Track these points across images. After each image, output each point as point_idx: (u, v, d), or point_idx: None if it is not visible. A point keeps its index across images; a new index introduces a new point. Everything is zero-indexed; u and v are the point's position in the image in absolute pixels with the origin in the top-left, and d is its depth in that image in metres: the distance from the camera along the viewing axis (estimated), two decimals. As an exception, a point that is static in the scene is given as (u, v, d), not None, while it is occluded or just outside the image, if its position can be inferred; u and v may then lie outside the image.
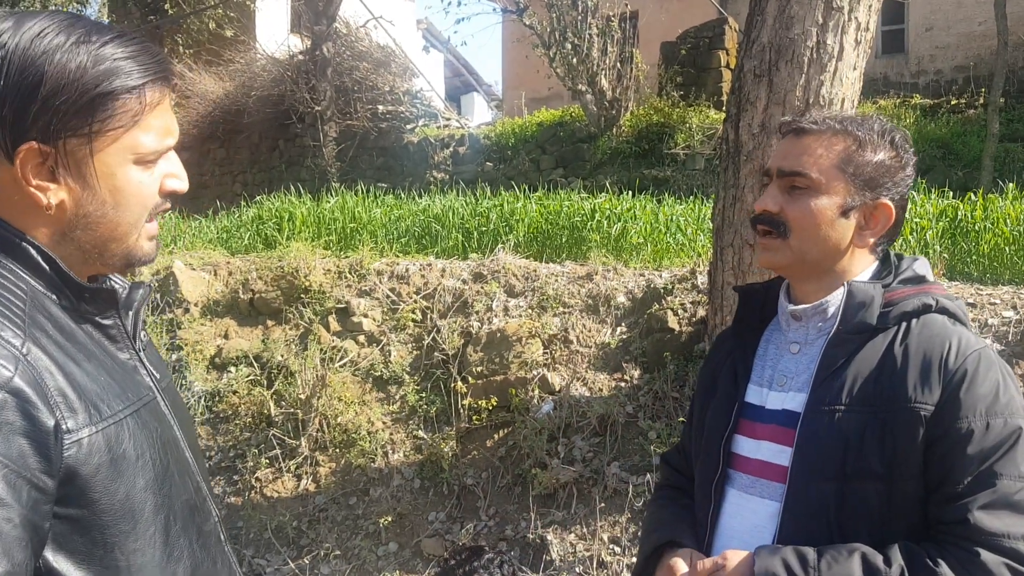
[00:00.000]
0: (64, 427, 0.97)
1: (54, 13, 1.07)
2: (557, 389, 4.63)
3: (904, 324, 1.42)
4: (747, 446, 1.50)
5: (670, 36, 11.24)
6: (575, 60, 9.43)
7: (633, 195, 7.05)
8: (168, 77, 1.13)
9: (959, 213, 5.10)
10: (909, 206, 5.25)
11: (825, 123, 1.48)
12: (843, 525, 1.36)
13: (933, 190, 5.66)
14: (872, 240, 1.48)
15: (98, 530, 1.01)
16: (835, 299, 1.46)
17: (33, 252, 1.06)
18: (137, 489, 1.05)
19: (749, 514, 1.47)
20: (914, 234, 4.62)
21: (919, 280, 1.48)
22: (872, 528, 1.35)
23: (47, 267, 1.07)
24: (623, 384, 4.62)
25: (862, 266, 1.50)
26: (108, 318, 1.15)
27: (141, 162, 1.11)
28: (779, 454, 1.45)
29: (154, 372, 1.20)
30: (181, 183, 1.17)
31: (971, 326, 1.50)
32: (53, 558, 0.97)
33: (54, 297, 1.08)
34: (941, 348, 1.37)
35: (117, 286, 1.17)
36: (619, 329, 4.89)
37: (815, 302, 1.49)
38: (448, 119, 11.91)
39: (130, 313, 1.18)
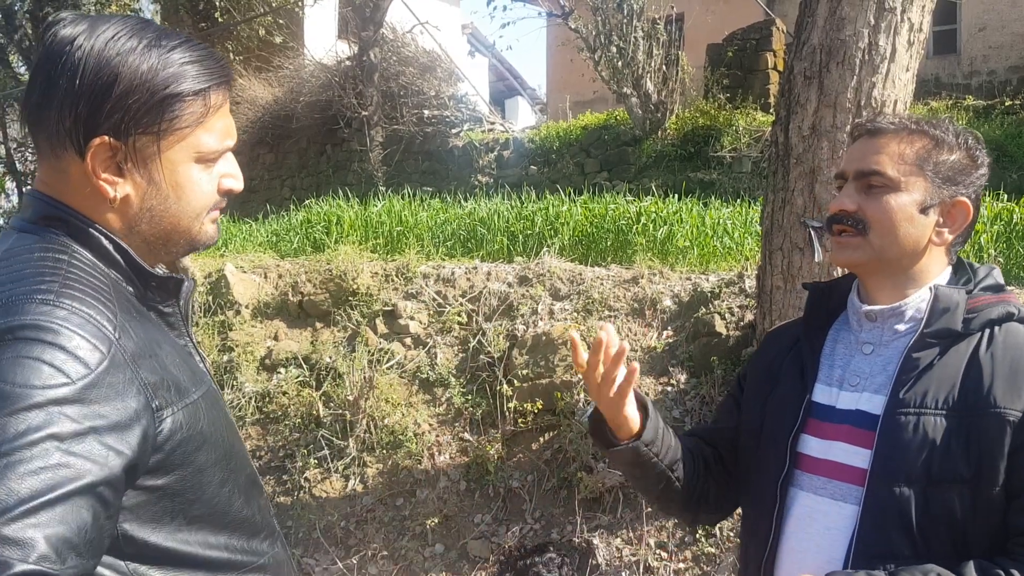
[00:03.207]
0: (153, 405, 1.04)
1: (126, 18, 1.14)
2: (603, 393, 4.63)
3: (988, 331, 1.41)
4: (816, 446, 1.49)
5: (716, 38, 11.15)
6: (620, 63, 9.41)
7: (679, 198, 7.01)
8: (229, 82, 1.20)
9: (1015, 216, 4.98)
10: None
11: (900, 123, 1.48)
12: (924, 529, 1.35)
13: (987, 193, 5.55)
14: (950, 238, 1.47)
15: (171, 499, 1.08)
16: (914, 302, 1.46)
17: (105, 242, 1.12)
18: (210, 463, 1.13)
19: (821, 516, 1.46)
20: (969, 240, 4.53)
21: (999, 288, 1.48)
22: (954, 533, 1.34)
23: (119, 257, 1.13)
24: (669, 388, 4.60)
25: (938, 268, 1.49)
26: (169, 306, 1.22)
27: (202, 161, 1.17)
28: (853, 455, 1.43)
29: (204, 358, 1.28)
30: (237, 183, 1.24)
31: None
32: (130, 526, 1.04)
33: (126, 285, 1.14)
34: None
35: (181, 276, 1.24)
36: (665, 333, 4.87)
37: (891, 304, 1.48)
38: (492, 123, 11.96)
39: (182, 303, 1.25)
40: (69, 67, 1.07)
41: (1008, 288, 1.51)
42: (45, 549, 0.87)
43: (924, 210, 1.44)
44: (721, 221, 5.97)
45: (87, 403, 0.95)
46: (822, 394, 1.51)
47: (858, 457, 1.42)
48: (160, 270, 1.25)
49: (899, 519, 1.36)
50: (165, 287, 1.19)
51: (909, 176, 1.44)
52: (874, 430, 1.41)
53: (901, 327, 1.47)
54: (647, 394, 4.57)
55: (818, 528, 1.45)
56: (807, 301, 1.62)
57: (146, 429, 1.02)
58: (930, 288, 1.44)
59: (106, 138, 1.08)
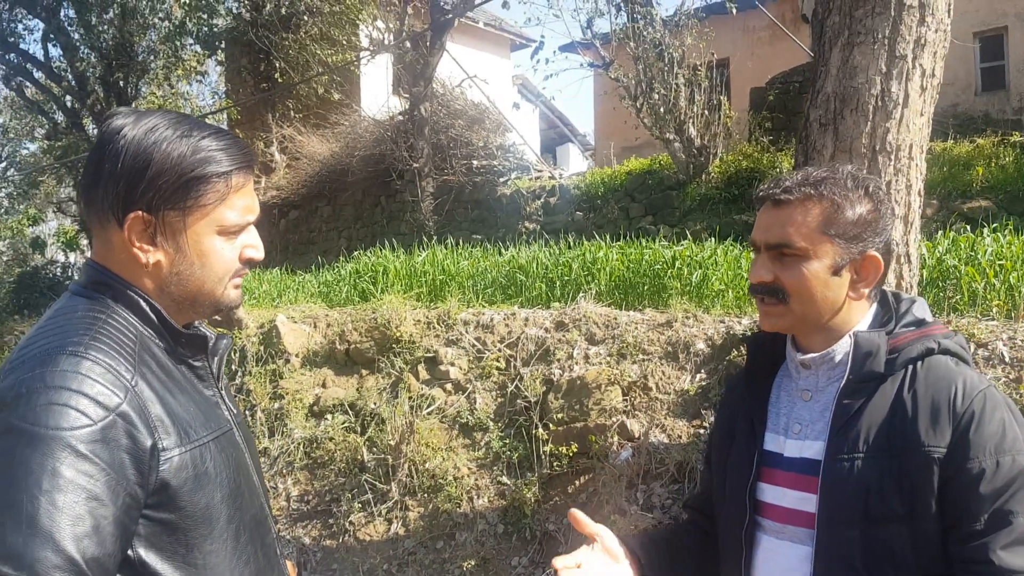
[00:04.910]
0: (160, 447, 1.20)
1: (166, 112, 1.35)
2: (636, 436, 4.70)
3: (910, 368, 1.49)
4: (772, 493, 1.57)
5: (762, 81, 11.24)
6: (662, 110, 9.56)
7: (722, 241, 7.05)
8: (251, 165, 1.39)
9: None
10: (994, 247, 5.13)
11: (800, 190, 1.54)
12: (870, 566, 1.42)
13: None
14: (866, 291, 1.56)
15: (182, 532, 1.24)
16: (841, 347, 1.54)
17: (142, 302, 1.31)
18: (215, 501, 1.28)
19: (782, 559, 1.54)
20: (998, 277, 4.51)
21: (920, 323, 1.55)
22: (898, 568, 1.41)
23: (153, 316, 1.32)
24: (702, 431, 4.64)
25: (861, 313, 1.57)
26: (198, 360, 1.40)
27: (224, 233, 1.35)
28: (804, 501, 1.52)
29: (231, 408, 1.44)
30: (258, 253, 1.42)
31: (972, 362, 1.55)
32: (145, 553, 1.20)
33: (157, 340, 1.32)
34: (948, 391, 1.43)
35: (207, 334, 1.43)
36: (699, 376, 4.92)
37: (822, 351, 1.56)
38: (540, 171, 12.18)
39: (215, 358, 1.43)
40: (114, 153, 1.28)
41: (933, 320, 1.57)
42: (84, 569, 1.07)
43: (837, 272, 1.52)
44: (757, 264, 6.01)
45: (106, 442, 1.13)
46: (771, 442, 1.60)
47: (807, 502, 1.50)
48: (205, 330, 1.44)
49: (846, 558, 1.44)
50: (193, 343, 1.38)
51: (816, 244, 1.51)
52: (818, 475, 1.48)
53: (833, 372, 1.55)
54: (680, 437, 4.64)
55: (779, 569, 1.54)
56: (747, 352, 1.72)
57: (151, 463, 1.19)
58: (850, 335, 1.52)
59: (140, 212, 1.28)
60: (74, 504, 1.08)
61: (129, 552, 1.18)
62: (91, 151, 1.34)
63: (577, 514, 1.65)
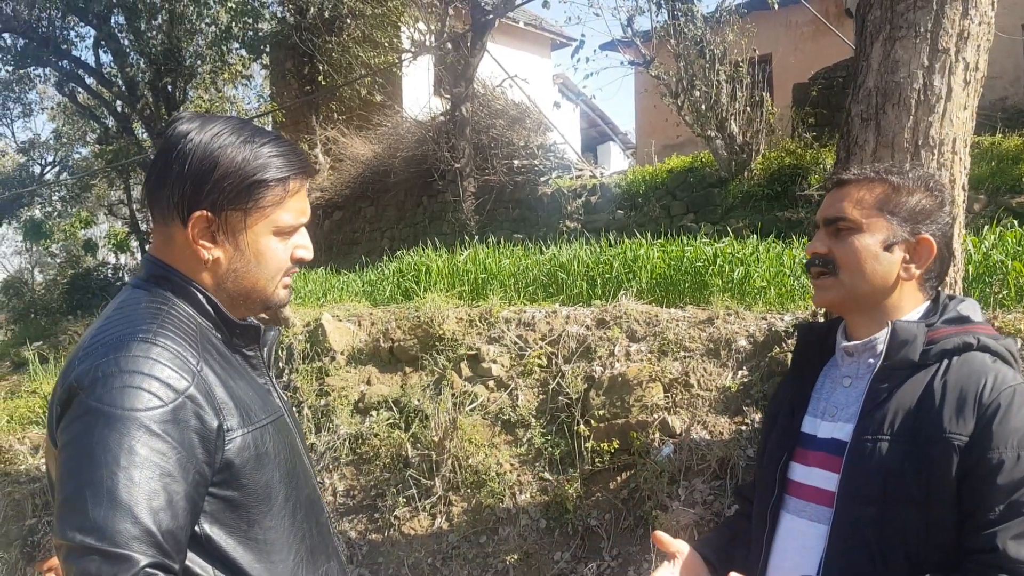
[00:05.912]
0: (225, 427, 1.29)
1: (229, 118, 1.44)
2: (677, 432, 4.71)
3: (945, 361, 1.51)
4: (800, 472, 1.63)
5: (806, 77, 11.12)
6: (703, 107, 9.51)
7: (764, 238, 7.02)
8: (307, 172, 1.48)
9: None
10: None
11: (863, 173, 1.62)
12: (883, 547, 1.45)
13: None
14: (918, 272, 1.58)
15: (244, 509, 1.32)
16: (883, 336, 1.56)
17: (201, 297, 1.41)
18: (274, 480, 1.37)
19: (799, 536, 1.59)
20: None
21: (963, 320, 1.57)
22: (910, 550, 1.44)
23: (211, 309, 1.41)
24: (744, 428, 4.65)
25: (912, 304, 1.60)
26: (251, 350, 1.49)
27: (279, 234, 1.44)
28: (827, 480, 1.56)
29: (281, 395, 1.54)
30: (308, 253, 1.51)
31: (1018, 365, 1.56)
32: (210, 528, 1.28)
33: (215, 331, 1.42)
34: (977, 383, 1.46)
35: (259, 325, 1.52)
36: (740, 373, 4.92)
37: (866, 339, 1.60)
38: (581, 170, 12.19)
39: (265, 349, 1.53)
40: (181, 155, 1.37)
41: (981, 320, 1.60)
42: (160, 540, 1.15)
43: (888, 248, 1.56)
44: (800, 260, 5.98)
45: (176, 422, 1.22)
46: (808, 425, 1.65)
47: (830, 481, 1.55)
48: (254, 321, 1.53)
49: (861, 537, 1.47)
50: (247, 334, 1.47)
51: (871, 219, 1.57)
52: (842, 456, 1.53)
53: (873, 360, 1.58)
54: (721, 434, 4.65)
55: (797, 547, 1.58)
56: (797, 339, 1.76)
57: (217, 443, 1.27)
58: (889, 323, 1.56)
59: (205, 212, 1.37)
60: (149, 480, 1.16)
61: (196, 528, 1.26)
62: (157, 153, 1.43)
63: (660, 535, 1.70)
